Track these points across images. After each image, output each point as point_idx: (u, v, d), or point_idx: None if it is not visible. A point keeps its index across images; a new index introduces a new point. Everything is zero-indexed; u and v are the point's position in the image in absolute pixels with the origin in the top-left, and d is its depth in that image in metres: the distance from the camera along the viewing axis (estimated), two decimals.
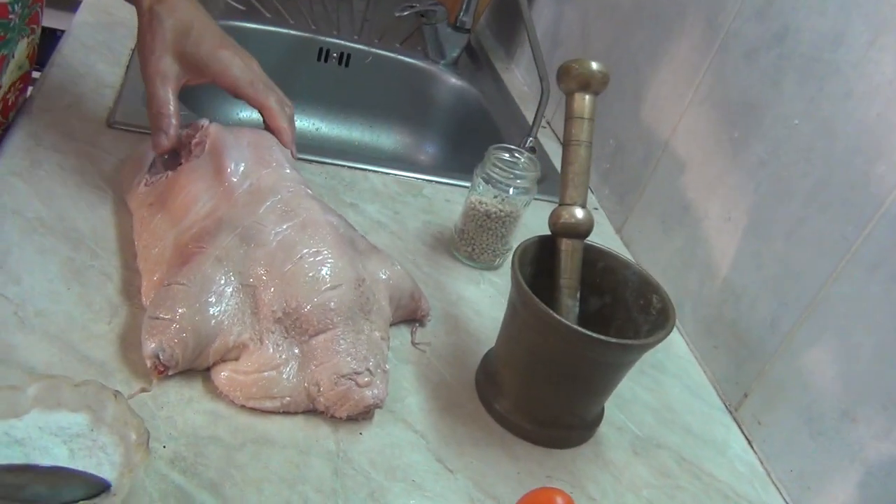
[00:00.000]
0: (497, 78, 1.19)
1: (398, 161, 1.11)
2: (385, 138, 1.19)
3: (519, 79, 1.21)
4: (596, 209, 0.91)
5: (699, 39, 0.78)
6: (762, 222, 0.67)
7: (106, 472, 0.39)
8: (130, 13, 0.86)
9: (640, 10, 0.90)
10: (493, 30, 1.35)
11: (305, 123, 1.17)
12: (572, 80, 0.58)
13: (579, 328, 0.51)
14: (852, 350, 0.56)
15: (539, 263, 0.58)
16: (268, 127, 0.69)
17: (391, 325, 0.61)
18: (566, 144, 0.58)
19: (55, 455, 0.38)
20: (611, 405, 0.62)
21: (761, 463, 0.63)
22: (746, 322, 0.67)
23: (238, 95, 0.68)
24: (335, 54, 1.14)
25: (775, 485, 0.61)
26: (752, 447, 0.64)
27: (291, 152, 0.69)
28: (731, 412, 0.67)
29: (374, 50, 1.15)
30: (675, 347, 0.73)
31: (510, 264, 0.55)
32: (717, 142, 0.73)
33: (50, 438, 0.38)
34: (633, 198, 0.86)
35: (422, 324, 0.64)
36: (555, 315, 0.51)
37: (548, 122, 1.09)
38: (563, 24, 1.10)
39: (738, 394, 0.66)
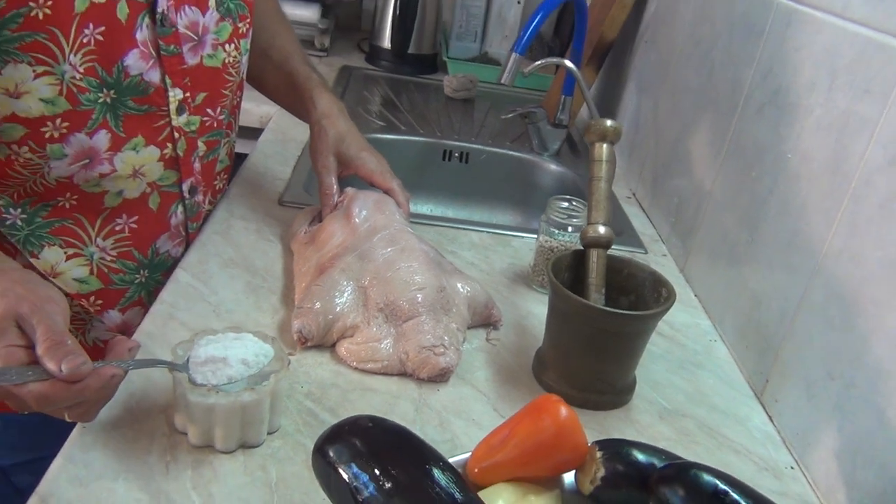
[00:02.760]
0: None
1: None
2: (499, 218, 1.42)
3: None
4: (665, 255, 1.07)
5: (728, 106, 0.96)
6: (772, 237, 0.81)
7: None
8: (297, 133, 1.19)
9: (690, 90, 1.09)
10: None
11: (435, 210, 1.43)
12: (593, 133, 0.78)
13: (596, 305, 0.69)
14: (830, 321, 0.69)
15: (574, 273, 0.77)
16: None
17: (470, 327, 0.82)
18: (590, 180, 0.78)
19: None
20: (645, 386, 0.77)
21: (778, 432, 0.74)
22: (766, 320, 0.80)
23: (372, 182, 0.95)
24: (456, 154, 1.41)
25: (787, 447, 0.72)
26: (772, 422, 0.76)
27: (405, 211, 0.93)
28: (757, 397, 0.79)
29: (488, 148, 1.41)
30: (716, 352, 0.86)
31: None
32: (741, 182, 0.89)
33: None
34: (690, 242, 1.02)
35: (495, 327, 0.84)
36: (577, 297, 0.70)
37: (633, 194, 1.27)
38: (641, 111, 1.31)
39: (762, 381, 0.79)
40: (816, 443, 0.68)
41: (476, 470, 0.57)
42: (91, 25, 0.68)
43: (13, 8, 0.64)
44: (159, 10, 0.74)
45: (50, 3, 0.65)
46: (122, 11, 0.71)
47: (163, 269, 0.88)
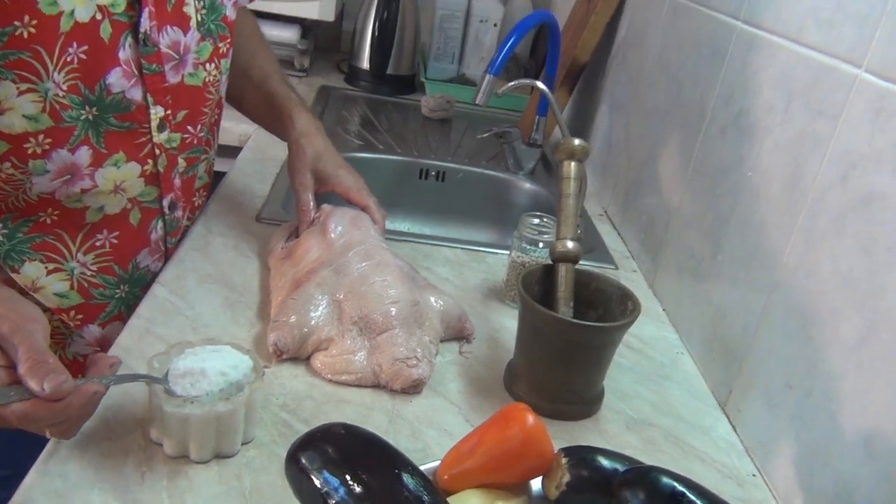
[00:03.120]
0: None
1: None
2: (475, 235, 1.44)
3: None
4: (635, 271, 1.10)
5: (693, 126, 0.99)
6: (734, 253, 0.84)
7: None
8: (276, 151, 1.21)
9: (659, 111, 1.12)
10: None
11: (412, 228, 1.45)
12: (562, 152, 0.81)
13: (562, 317, 0.71)
14: (789, 333, 0.72)
15: (544, 287, 0.79)
16: None
17: (444, 341, 0.84)
18: (559, 197, 0.80)
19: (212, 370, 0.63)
20: (613, 397, 0.79)
21: (741, 441, 0.77)
22: (730, 333, 0.83)
23: (348, 199, 0.97)
24: (433, 173, 1.44)
25: (749, 455, 0.75)
26: (735, 432, 0.78)
27: (380, 228, 0.95)
28: (721, 408, 0.82)
29: (464, 167, 1.43)
30: (683, 365, 0.89)
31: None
32: (707, 200, 0.92)
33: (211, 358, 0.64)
34: (659, 258, 1.04)
35: (468, 340, 0.86)
36: (546, 310, 0.72)
37: (605, 211, 1.30)
38: (613, 130, 1.34)
39: (726, 392, 0.81)
40: (777, 450, 0.71)
41: (446, 477, 0.58)
42: (75, 44, 0.70)
43: None
44: (142, 30, 0.76)
45: (35, 22, 0.67)
46: (106, 31, 0.73)
47: (142, 284, 0.89)
